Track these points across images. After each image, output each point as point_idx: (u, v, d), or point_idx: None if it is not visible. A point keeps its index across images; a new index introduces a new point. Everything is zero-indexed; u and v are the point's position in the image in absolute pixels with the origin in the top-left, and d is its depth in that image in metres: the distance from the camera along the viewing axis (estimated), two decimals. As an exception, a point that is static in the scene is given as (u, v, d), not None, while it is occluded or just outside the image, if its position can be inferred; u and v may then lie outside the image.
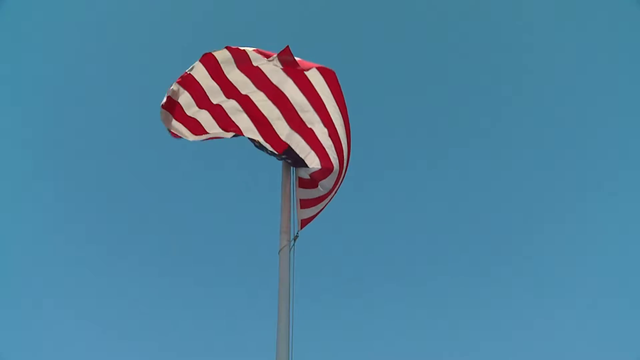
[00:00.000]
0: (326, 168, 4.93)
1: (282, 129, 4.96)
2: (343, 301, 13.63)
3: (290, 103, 4.76)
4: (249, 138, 5.14)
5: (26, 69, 14.04)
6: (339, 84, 4.44)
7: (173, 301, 13.58)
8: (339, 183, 5.08)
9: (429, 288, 13.95)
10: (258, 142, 5.10)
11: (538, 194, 14.79)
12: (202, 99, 4.81)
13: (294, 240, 4.75)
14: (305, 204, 5.15)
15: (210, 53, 4.56)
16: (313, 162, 4.99)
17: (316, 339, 11.18)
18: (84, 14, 14.63)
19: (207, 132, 5.00)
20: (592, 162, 14.57)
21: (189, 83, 4.68)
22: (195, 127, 4.95)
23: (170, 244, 14.73)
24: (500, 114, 15.76)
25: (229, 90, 4.79)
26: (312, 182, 5.15)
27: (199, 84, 4.72)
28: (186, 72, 4.64)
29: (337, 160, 4.84)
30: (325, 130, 4.73)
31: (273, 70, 4.58)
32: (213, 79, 4.68)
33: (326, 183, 5.08)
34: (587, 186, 14.32)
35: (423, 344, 12.66)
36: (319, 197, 5.17)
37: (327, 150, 4.86)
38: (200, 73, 4.64)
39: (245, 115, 4.96)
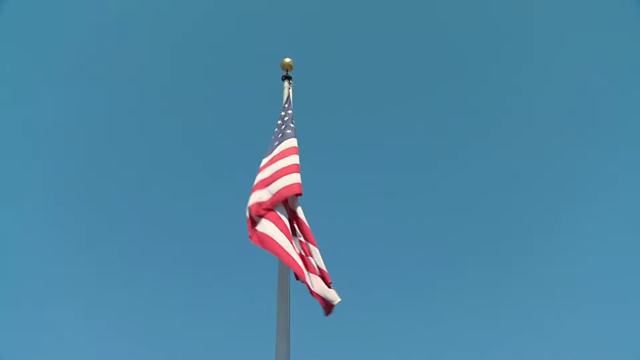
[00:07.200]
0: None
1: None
2: (342, 300, 13.61)
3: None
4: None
5: (26, 69, 14.06)
6: None
7: (173, 301, 13.61)
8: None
9: (430, 289, 13.96)
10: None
11: (538, 196, 14.80)
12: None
13: None
14: None
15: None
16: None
17: (316, 339, 11.18)
18: (84, 13, 14.65)
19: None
20: (595, 164, 14.57)
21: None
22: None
23: (170, 244, 14.76)
24: (501, 116, 15.76)
25: None
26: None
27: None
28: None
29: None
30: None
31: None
32: None
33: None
34: (587, 188, 14.31)
35: (422, 344, 12.67)
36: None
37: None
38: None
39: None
